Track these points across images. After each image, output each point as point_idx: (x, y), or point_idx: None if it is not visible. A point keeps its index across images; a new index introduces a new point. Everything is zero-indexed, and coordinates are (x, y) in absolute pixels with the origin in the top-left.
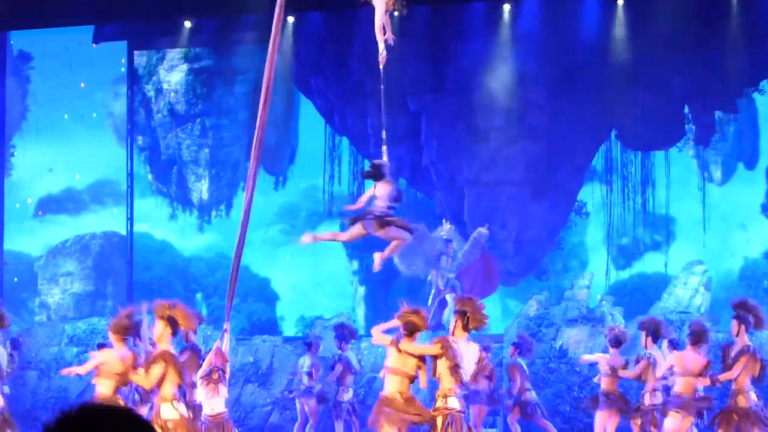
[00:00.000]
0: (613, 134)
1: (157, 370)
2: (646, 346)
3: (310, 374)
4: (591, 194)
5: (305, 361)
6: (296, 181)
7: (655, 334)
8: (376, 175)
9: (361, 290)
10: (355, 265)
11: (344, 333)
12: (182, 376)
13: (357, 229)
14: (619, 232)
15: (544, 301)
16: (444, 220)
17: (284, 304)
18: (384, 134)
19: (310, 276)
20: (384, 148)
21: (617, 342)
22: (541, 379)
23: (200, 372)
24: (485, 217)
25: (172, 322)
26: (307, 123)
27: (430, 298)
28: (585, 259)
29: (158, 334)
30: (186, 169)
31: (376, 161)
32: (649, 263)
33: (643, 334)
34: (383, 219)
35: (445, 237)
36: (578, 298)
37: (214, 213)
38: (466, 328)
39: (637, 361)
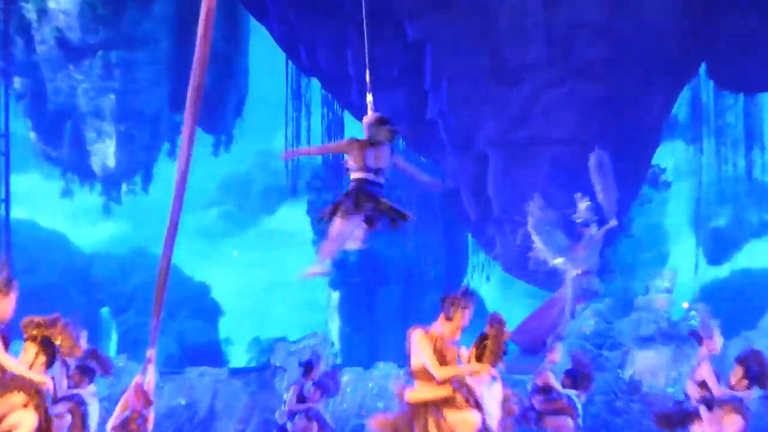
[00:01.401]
0: (702, 70)
1: (2, 405)
2: (733, 387)
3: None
4: (672, 156)
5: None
6: (245, 142)
7: (761, 377)
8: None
9: (335, 296)
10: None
11: (328, 385)
12: (50, 422)
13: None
14: (712, 209)
15: (605, 311)
16: (578, 195)
17: (230, 321)
18: (368, 77)
19: (266, 278)
20: (369, 97)
21: None
22: (602, 423)
23: (112, 419)
24: (517, 191)
25: (47, 346)
26: (260, 58)
27: (568, 307)
28: (664, 249)
29: (27, 359)
30: (84, 125)
31: (378, 115)
32: (757, 254)
33: (739, 368)
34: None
35: (579, 219)
36: (655, 307)
37: (125, 188)
38: (479, 358)
39: None
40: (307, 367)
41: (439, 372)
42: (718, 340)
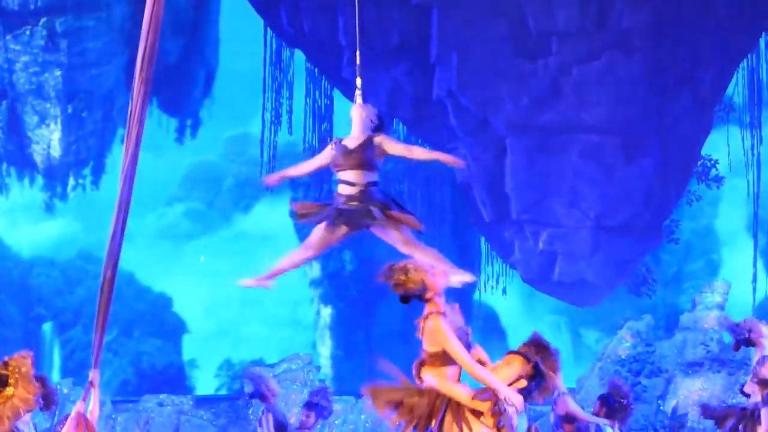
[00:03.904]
0: (763, 42)
1: None
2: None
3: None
4: (726, 145)
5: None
6: (215, 126)
7: None
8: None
9: (326, 313)
10: (316, 270)
11: (322, 406)
12: None
13: (326, 234)
14: None
15: (645, 331)
16: None
17: (196, 340)
18: (358, 56)
19: (240, 289)
20: (358, 81)
21: None
22: None
23: None
24: (541, 186)
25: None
26: (233, 26)
27: None
28: (716, 257)
29: None
30: (24, 107)
31: (366, 108)
32: None
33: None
34: (369, 210)
35: None
36: (704, 327)
37: (72, 182)
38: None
39: None
40: (260, 397)
41: (475, 368)
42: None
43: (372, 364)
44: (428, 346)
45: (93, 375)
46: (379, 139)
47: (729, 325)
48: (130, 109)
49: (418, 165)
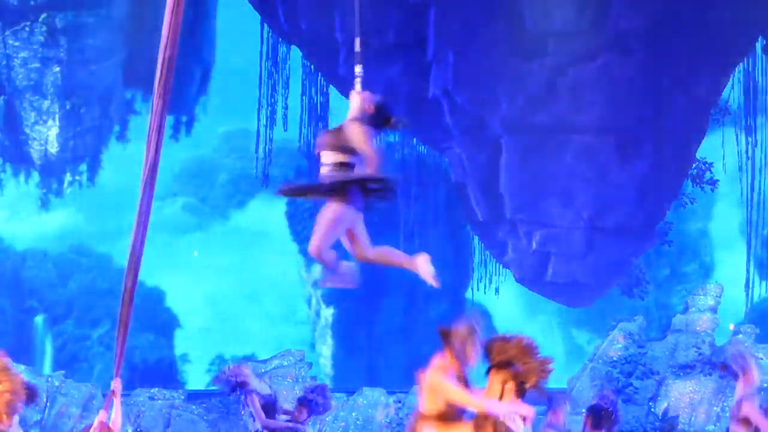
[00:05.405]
0: (759, 46)
1: None
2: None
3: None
4: (720, 148)
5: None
6: (210, 122)
7: None
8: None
9: (327, 314)
10: (317, 270)
11: (315, 402)
12: None
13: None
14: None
15: (637, 332)
16: None
17: (189, 335)
18: (358, 43)
19: (233, 284)
20: (357, 68)
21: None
22: None
23: None
24: (535, 187)
25: None
26: (229, 22)
27: None
28: (709, 260)
29: None
30: (22, 102)
31: (371, 98)
32: None
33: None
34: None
35: None
36: (696, 329)
37: (68, 178)
38: (521, 392)
39: None
40: (239, 386)
41: (478, 404)
42: (755, 374)
43: (372, 363)
44: (425, 408)
45: (115, 384)
46: (351, 124)
47: (732, 355)
48: (149, 120)
49: (413, 164)
